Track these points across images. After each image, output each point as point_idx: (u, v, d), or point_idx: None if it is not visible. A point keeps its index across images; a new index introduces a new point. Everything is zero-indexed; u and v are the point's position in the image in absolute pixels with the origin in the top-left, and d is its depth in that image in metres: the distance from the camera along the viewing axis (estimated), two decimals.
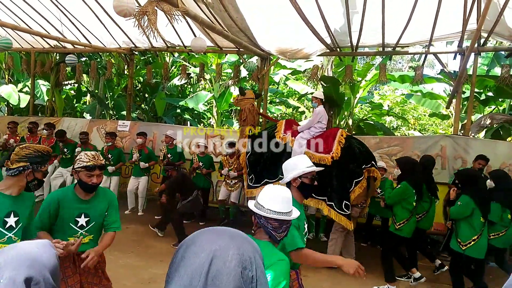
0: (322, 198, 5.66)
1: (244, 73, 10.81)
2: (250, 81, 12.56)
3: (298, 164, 2.83)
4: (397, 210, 5.14)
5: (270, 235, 2.05)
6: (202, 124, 15.99)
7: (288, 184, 2.82)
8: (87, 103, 14.93)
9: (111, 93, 13.66)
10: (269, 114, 13.25)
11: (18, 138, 8.51)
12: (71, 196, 2.84)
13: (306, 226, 2.80)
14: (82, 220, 2.84)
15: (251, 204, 2.12)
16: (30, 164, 2.44)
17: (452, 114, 10.81)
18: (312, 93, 11.78)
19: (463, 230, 4.57)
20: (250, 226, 2.28)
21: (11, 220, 2.43)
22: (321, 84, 8.99)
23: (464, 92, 8.64)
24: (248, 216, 7.33)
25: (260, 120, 8.11)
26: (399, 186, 5.14)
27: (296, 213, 2.12)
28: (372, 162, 5.68)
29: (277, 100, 16.18)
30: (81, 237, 2.74)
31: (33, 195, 2.68)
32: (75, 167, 2.80)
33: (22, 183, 2.47)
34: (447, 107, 9.57)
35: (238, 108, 7.37)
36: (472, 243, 4.50)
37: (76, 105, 14.35)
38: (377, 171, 5.71)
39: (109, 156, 7.99)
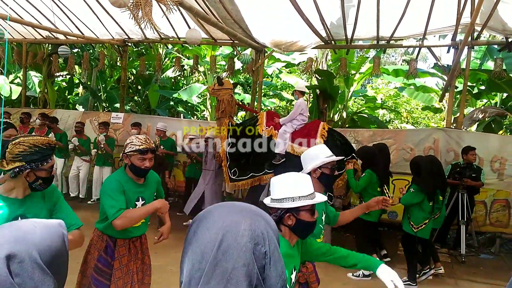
0: None
1: (238, 65, 10.77)
2: (244, 74, 12.57)
3: (318, 154, 2.76)
4: (366, 198, 5.31)
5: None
6: (195, 117, 15.93)
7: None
8: (80, 95, 14.79)
9: (103, 85, 13.55)
10: (263, 107, 13.26)
11: None
12: (128, 180, 2.79)
13: (323, 217, 2.76)
14: (139, 204, 2.82)
15: (267, 201, 2.02)
16: (26, 163, 2.02)
17: (444, 108, 10.89)
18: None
19: (416, 214, 5.00)
20: None
21: None
22: (315, 77, 9.00)
23: (456, 87, 8.70)
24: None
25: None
26: (363, 174, 5.42)
27: (321, 196, 2.03)
28: (353, 154, 5.78)
29: (271, 93, 16.17)
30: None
31: (44, 193, 2.31)
32: (126, 151, 2.73)
33: (24, 185, 2.10)
34: (440, 101, 9.65)
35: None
36: (424, 226, 4.99)
37: (68, 97, 14.21)
38: (358, 163, 5.81)
39: (102, 145, 8.06)
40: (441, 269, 5.48)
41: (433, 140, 7.28)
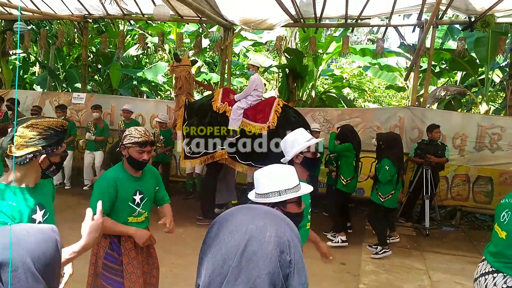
0: (260, 167, 5.74)
1: (205, 43, 10.53)
2: (211, 52, 12.32)
3: (298, 139, 2.68)
4: (343, 168, 5.79)
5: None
6: (159, 97, 15.54)
7: (290, 162, 2.67)
8: (37, 74, 14.02)
9: (62, 64, 12.89)
10: (232, 87, 13.08)
11: None
12: (124, 174, 2.69)
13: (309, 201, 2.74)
14: (137, 198, 2.73)
15: (252, 196, 1.95)
16: (42, 148, 1.82)
17: (408, 87, 11.20)
18: (273, 65, 11.76)
19: (383, 187, 5.42)
20: None
21: (38, 215, 1.90)
22: (285, 56, 8.96)
23: (421, 67, 8.94)
24: None
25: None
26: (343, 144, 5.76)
27: (306, 187, 1.98)
28: (308, 130, 5.85)
29: (238, 72, 15.99)
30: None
31: (51, 180, 2.16)
32: (124, 143, 2.63)
33: (37, 172, 1.90)
34: (405, 79, 9.90)
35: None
36: (390, 196, 5.43)
37: (24, 76, 13.44)
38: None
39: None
40: (398, 238, 6.01)
41: (399, 118, 7.50)
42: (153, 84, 14.53)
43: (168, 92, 15.60)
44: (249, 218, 0.92)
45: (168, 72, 7.11)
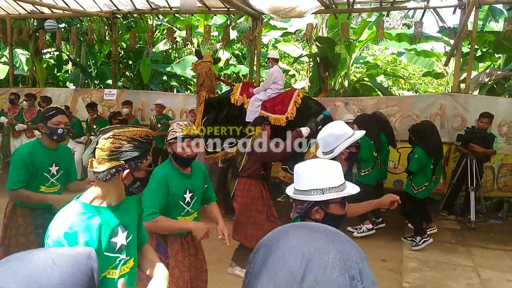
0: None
1: (232, 35, 10.36)
2: (239, 44, 12.14)
3: (348, 132, 2.50)
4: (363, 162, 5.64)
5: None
6: (189, 91, 15.53)
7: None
8: (69, 72, 14.29)
9: (93, 61, 13.07)
10: (255, 78, 12.82)
11: None
12: (174, 171, 2.59)
13: None
14: (187, 196, 2.62)
15: (290, 191, 1.79)
16: (125, 162, 1.62)
17: (447, 73, 10.63)
18: (303, 55, 11.46)
19: (418, 178, 5.23)
20: None
21: (121, 238, 1.72)
22: (315, 44, 8.66)
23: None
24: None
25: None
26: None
27: (353, 187, 1.79)
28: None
29: (266, 64, 15.75)
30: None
31: (137, 197, 1.92)
32: (168, 139, 2.56)
33: (120, 189, 1.70)
34: (446, 65, 9.38)
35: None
36: (424, 188, 5.23)
37: (58, 74, 13.72)
38: None
39: (94, 126, 7.75)
40: (435, 229, 5.71)
41: (440, 105, 7.07)
42: (182, 78, 14.53)
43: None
44: (304, 238, 0.73)
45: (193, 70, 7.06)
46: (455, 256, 5.03)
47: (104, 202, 1.67)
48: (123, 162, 1.61)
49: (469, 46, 7.59)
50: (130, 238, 1.77)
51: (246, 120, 5.69)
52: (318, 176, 1.70)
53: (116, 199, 1.71)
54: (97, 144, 1.62)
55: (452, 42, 8.13)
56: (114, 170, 1.60)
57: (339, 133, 2.49)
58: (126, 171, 1.63)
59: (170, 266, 2.54)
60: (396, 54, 12.75)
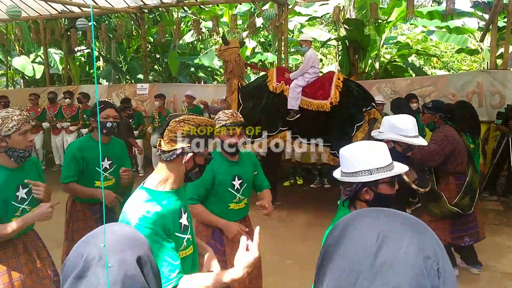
0: (327, 144, 5.48)
1: (258, 23, 10.31)
2: (264, 32, 12.09)
3: (407, 129, 2.57)
4: None
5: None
6: (216, 82, 15.63)
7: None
8: (101, 69, 14.65)
9: (123, 56, 13.32)
10: (283, 65, 12.76)
11: (39, 110, 8.45)
12: (221, 159, 2.63)
13: None
14: (236, 183, 2.66)
15: (337, 174, 1.82)
16: (190, 145, 1.71)
17: (481, 49, 10.24)
18: (331, 39, 11.28)
19: None
20: None
21: (183, 219, 1.82)
22: (343, 27, 8.51)
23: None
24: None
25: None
26: None
27: (401, 166, 1.82)
28: (372, 103, 5.46)
29: (292, 50, 15.59)
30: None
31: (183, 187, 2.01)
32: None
33: (180, 173, 1.77)
34: (481, 41, 9.03)
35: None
36: None
37: (90, 71, 14.09)
38: (377, 112, 5.52)
39: (131, 121, 7.95)
40: None
41: (477, 83, 6.85)
42: (209, 69, 14.62)
43: (223, 77, 15.61)
44: (381, 219, 0.76)
45: (216, 55, 7.01)
46: (501, 238, 4.92)
47: (167, 185, 1.75)
48: (189, 145, 1.70)
49: (505, 20, 7.27)
50: (189, 220, 1.89)
51: (288, 108, 5.64)
52: (365, 157, 1.72)
53: (177, 183, 1.79)
54: (167, 126, 1.71)
55: (486, 17, 7.82)
56: (179, 151, 1.69)
57: (398, 124, 2.54)
58: (190, 155, 1.72)
59: (226, 253, 2.59)
60: (427, 32, 12.34)
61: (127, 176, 2.92)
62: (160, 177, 1.75)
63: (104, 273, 0.88)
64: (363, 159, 1.72)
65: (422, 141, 2.57)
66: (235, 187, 2.65)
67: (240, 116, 2.65)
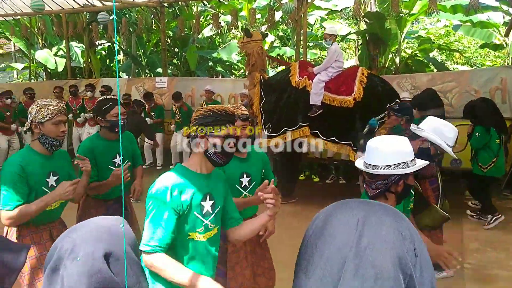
0: (347, 142, 5.42)
1: (276, 17, 10.26)
2: (283, 26, 12.02)
3: (446, 134, 2.65)
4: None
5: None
6: (234, 76, 15.63)
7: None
8: (121, 62, 14.86)
9: (142, 50, 13.46)
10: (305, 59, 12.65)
11: (79, 101, 8.74)
12: None
13: None
14: (245, 180, 2.61)
15: (360, 163, 1.88)
16: (202, 128, 1.87)
17: (506, 44, 9.96)
18: (351, 33, 11.15)
19: (483, 155, 5.10)
20: None
21: (207, 205, 1.91)
22: (364, 21, 8.40)
23: None
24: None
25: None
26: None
27: (421, 160, 1.89)
28: (397, 100, 5.35)
29: (311, 44, 15.46)
30: None
31: (224, 177, 2.16)
32: None
33: (200, 155, 1.93)
34: (506, 35, 8.79)
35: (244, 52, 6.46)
36: (492, 164, 5.04)
37: (111, 65, 14.29)
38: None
39: (152, 114, 8.09)
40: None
41: (500, 79, 6.68)
42: (227, 63, 14.64)
43: (242, 71, 15.61)
44: (360, 208, 0.83)
45: (239, 49, 7.00)
46: None
47: (198, 169, 1.93)
48: (201, 127, 1.87)
49: None
50: (217, 210, 1.97)
51: (311, 103, 5.57)
52: (401, 149, 1.80)
53: (207, 168, 1.95)
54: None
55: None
56: (193, 134, 1.89)
57: (438, 127, 2.65)
58: (199, 136, 1.88)
59: (228, 277, 2.56)
60: (452, 27, 12.05)
61: (116, 178, 2.83)
62: (194, 160, 1.95)
63: (73, 266, 0.91)
64: (399, 151, 1.79)
65: (454, 155, 2.71)
66: (243, 184, 2.60)
67: (244, 109, 2.64)
